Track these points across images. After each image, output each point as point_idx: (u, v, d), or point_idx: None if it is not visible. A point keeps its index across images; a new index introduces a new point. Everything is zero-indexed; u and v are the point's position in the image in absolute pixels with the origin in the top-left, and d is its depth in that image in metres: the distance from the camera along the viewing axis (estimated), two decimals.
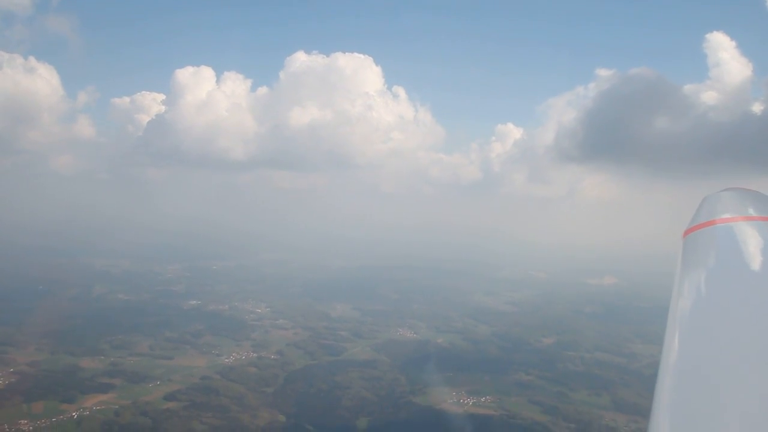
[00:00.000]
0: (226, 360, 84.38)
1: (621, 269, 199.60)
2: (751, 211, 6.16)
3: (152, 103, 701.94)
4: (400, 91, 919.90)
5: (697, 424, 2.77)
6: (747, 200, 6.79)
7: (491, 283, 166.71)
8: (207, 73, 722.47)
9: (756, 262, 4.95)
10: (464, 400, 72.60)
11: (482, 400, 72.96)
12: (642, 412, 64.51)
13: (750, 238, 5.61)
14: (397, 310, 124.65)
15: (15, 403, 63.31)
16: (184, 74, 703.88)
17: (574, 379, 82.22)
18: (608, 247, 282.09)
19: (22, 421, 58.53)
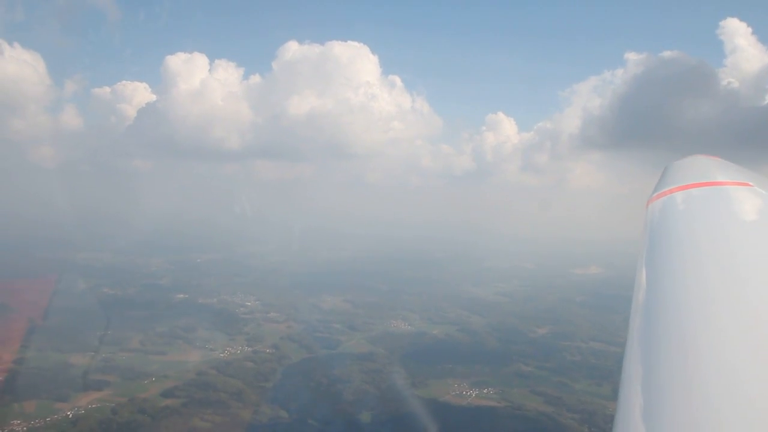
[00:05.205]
0: (221, 354, 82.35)
1: (606, 260, 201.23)
2: (714, 178, 6.24)
3: (134, 92, 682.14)
4: (397, 80, 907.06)
5: (664, 390, 2.76)
6: (709, 167, 6.87)
7: (478, 274, 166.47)
8: (200, 60, 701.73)
9: (718, 228, 5.03)
10: (467, 392, 71.93)
11: (485, 391, 72.36)
12: None
13: (712, 204, 5.75)
14: (389, 301, 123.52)
15: (5, 402, 60.69)
16: (176, 61, 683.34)
17: (573, 370, 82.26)
18: (593, 240, 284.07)
19: (15, 422, 55.90)
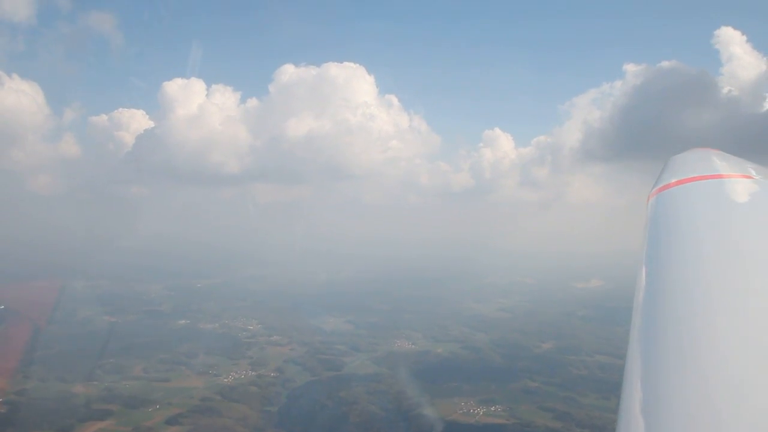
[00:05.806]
0: (225, 380, 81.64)
1: (607, 273, 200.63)
2: (714, 170, 6.20)
3: (131, 119, 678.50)
4: (394, 100, 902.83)
5: (667, 386, 2.75)
6: (709, 160, 6.81)
7: (479, 291, 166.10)
8: (197, 85, 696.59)
9: (720, 220, 5.01)
10: (474, 410, 71.32)
11: (492, 409, 71.77)
12: None
13: (713, 197, 5.73)
14: (391, 321, 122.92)
15: None
16: (173, 87, 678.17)
17: (580, 384, 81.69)
18: (593, 253, 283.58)
19: None
